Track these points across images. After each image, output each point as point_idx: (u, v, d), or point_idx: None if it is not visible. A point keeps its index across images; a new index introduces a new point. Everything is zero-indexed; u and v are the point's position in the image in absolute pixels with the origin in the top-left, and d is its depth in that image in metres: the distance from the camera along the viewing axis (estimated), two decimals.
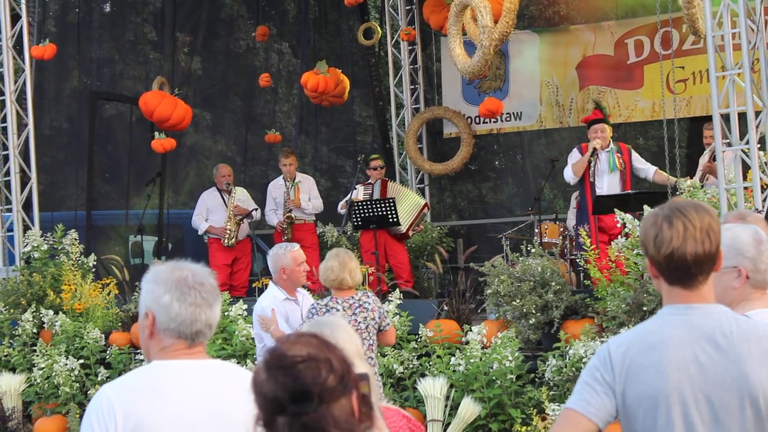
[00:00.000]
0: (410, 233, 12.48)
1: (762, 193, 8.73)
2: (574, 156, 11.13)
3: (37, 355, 10.71)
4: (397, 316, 9.42)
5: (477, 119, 14.85)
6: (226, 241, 12.54)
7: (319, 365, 2.23)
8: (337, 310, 6.97)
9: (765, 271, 3.94)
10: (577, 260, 10.40)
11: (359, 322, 6.97)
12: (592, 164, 10.92)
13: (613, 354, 3.11)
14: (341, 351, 2.31)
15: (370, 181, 12.59)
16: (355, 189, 12.26)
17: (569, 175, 11.08)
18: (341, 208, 12.29)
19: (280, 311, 7.48)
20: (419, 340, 9.32)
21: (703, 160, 10.93)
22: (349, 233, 12.90)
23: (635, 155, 11.11)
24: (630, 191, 10.60)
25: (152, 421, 3.07)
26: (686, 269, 3.08)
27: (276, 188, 12.79)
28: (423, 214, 12.71)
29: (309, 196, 12.66)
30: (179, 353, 3.20)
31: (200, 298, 3.18)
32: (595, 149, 10.85)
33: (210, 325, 3.22)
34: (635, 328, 3.23)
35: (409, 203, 12.38)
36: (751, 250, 3.95)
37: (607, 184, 10.92)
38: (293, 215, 12.45)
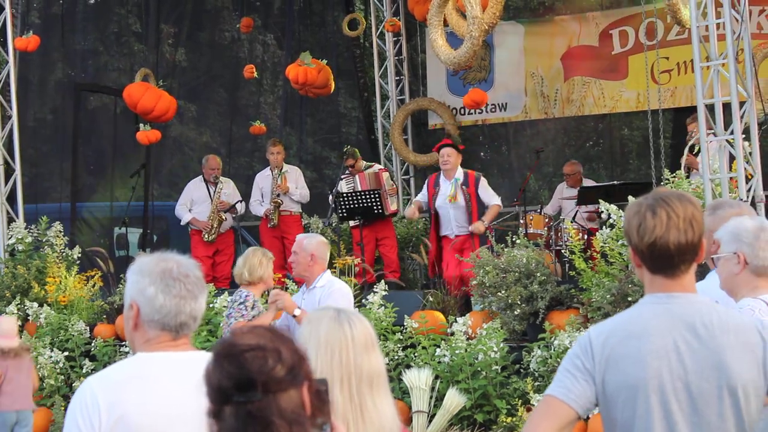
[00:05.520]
0: (391, 209, 12.29)
1: (747, 183, 8.76)
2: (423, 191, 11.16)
3: None
4: (383, 308, 9.42)
5: (462, 110, 14.83)
6: (206, 236, 12.54)
7: (266, 354, 2.20)
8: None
9: (766, 258, 4.04)
10: (562, 251, 10.42)
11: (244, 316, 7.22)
12: (435, 194, 10.93)
13: (593, 342, 3.12)
14: (295, 343, 2.28)
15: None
16: (341, 180, 12.20)
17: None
18: (332, 201, 12.19)
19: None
20: (404, 331, 9.32)
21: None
22: (334, 225, 12.87)
23: (483, 184, 10.95)
24: (615, 182, 10.62)
25: (136, 413, 3.07)
26: (669, 258, 3.09)
27: (263, 179, 12.78)
28: (385, 186, 12.25)
29: (296, 185, 12.64)
30: (164, 345, 3.19)
31: (185, 290, 3.17)
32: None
33: (195, 317, 3.21)
34: (616, 317, 3.24)
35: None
36: (750, 237, 4.07)
37: (453, 214, 10.85)
38: (281, 200, 12.43)
